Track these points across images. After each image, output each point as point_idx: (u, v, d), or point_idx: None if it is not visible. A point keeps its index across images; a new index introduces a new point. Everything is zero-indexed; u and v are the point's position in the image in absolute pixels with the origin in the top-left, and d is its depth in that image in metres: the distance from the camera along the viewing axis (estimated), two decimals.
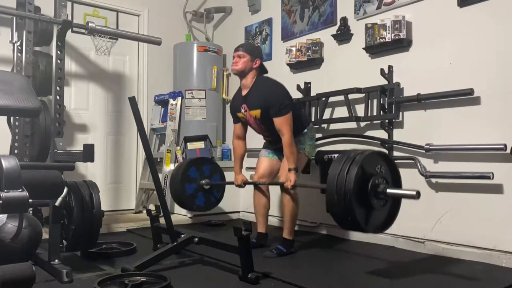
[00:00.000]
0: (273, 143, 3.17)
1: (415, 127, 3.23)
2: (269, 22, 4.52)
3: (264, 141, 3.33)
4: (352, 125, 3.63)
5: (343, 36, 3.72)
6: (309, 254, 3.06)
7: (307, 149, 3.12)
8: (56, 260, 2.41)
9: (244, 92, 3.05)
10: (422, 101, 3.15)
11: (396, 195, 2.30)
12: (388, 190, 2.25)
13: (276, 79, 3.10)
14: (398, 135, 3.33)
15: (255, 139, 3.51)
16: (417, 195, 2.18)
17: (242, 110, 3.07)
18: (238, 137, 3.23)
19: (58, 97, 3.46)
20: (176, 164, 4.03)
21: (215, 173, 3.70)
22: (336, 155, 3.52)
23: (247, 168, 4.01)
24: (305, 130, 3.11)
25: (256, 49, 3.11)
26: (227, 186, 3.62)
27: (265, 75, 3.13)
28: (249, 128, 3.24)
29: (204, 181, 3.60)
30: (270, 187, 3.27)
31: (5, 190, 1.76)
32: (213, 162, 3.76)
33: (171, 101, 4.59)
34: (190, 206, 3.53)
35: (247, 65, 2.96)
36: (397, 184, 2.39)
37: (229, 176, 4.45)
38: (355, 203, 2.17)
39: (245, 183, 3.24)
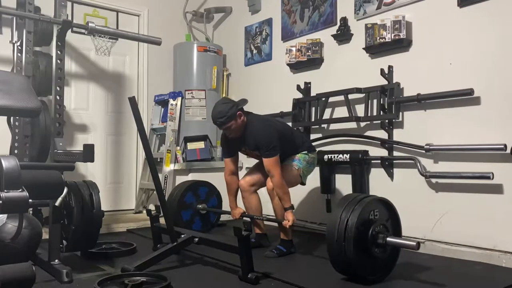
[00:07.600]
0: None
1: (415, 127, 3.23)
2: (269, 22, 4.52)
3: None
4: (352, 125, 3.63)
5: (343, 36, 3.72)
6: (309, 254, 3.06)
7: (303, 169, 3.09)
8: (56, 260, 2.42)
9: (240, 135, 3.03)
10: (422, 101, 3.15)
11: (396, 244, 2.29)
12: (389, 239, 2.24)
13: (262, 116, 3.15)
14: (398, 135, 3.33)
15: None
16: (417, 246, 2.17)
17: (243, 149, 3.11)
18: (231, 172, 3.18)
19: (58, 97, 3.47)
20: (172, 189, 3.93)
21: (212, 195, 3.73)
22: (336, 155, 3.54)
23: (246, 168, 3.99)
24: (307, 152, 3.10)
25: (231, 109, 2.87)
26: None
27: (250, 112, 3.09)
28: None
29: (201, 205, 3.63)
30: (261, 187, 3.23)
31: (5, 190, 1.76)
32: (209, 185, 3.77)
33: (171, 101, 4.59)
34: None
35: (238, 126, 2.93)
36: (397, 229, 2.40)
37: None
38: (355, 252, 2.17)
39: (242, 215, 3.22)
